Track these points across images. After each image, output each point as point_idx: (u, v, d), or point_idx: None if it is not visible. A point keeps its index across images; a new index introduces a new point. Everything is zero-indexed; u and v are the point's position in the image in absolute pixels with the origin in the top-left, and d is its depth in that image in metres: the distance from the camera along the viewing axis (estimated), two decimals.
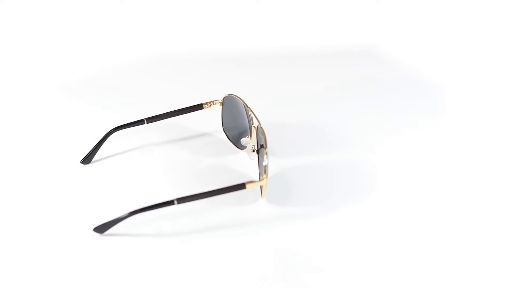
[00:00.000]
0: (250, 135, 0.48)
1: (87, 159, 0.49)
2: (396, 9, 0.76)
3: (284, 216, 0.43)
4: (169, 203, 0.40)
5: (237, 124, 0.50)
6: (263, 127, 0.45)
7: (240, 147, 0.50)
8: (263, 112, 0.50)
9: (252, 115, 0.47)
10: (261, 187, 0.43)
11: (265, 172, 0.42)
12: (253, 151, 0.46)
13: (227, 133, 0.52)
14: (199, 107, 0.51)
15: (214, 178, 0.47)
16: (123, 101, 0.60)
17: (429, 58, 0.70)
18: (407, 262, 0.39)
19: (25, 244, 0.41)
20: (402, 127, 0.56)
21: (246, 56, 0.71)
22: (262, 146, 0.45)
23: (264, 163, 0.42)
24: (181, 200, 0.41)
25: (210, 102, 0.51)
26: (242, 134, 0.49)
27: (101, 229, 0.41)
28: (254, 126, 0.47)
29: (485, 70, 0.67)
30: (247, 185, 0.41)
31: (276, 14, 0.76)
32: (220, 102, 0.51)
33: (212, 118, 0.53)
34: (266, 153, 0.42)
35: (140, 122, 0.49)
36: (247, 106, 0.47)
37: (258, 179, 0.45)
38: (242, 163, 0.49)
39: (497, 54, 0.69)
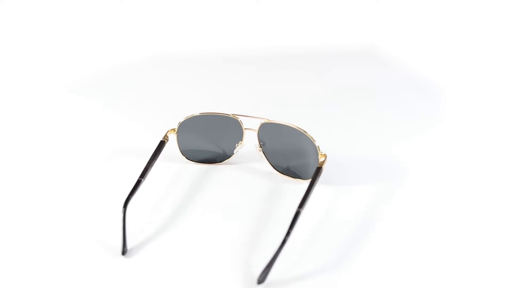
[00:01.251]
0: (242, 139, 0.47)
1: (124, 248, 0.39)
2: (397, 9, 0.74)
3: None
4: (287, 235, 0.38)
5: (214, 138, 0.48)
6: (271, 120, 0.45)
7: (224, 157, 0.48)
8: (263, 112, 0.49)
9: (240, 118, 0.46)
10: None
11: (320, 150, 0.43)
12: (260, 150, 0.46)
13: (200, 155, 0.49)
14: (162, 144, 0.46)
15: (242, 194, 0.46)
16: (123, 100, 0.61)
17: (429, 58, 0.69)
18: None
19: None
20: (402, 126, 0.56)
21: (246, 56, 0.67)
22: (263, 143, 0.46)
23: (316, 144, 0.43)
24: (295, 219, 0.39)
25: (165, 135, 0.47)
26: (227, 143, 0.48)
27: (262, 277, 0.37)
28: (246, 128, 0.47)
29: (486, 69, 0.66)
30: (322, 167, 0.43)
31: (276, 14, 0.73)
32: (174, 130, 0.47)
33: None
34: (309, 135, 0.44)
35: (138, 183, 0.42)
36: (230, 115, 0.47)
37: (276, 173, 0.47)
38: (241, 169, 0.48)
39: (497, 53, 0.68)
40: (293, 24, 0.76)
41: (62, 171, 0.48)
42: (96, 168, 0.49)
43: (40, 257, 0.39)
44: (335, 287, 0.37)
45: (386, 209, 0.44)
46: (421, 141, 0.53)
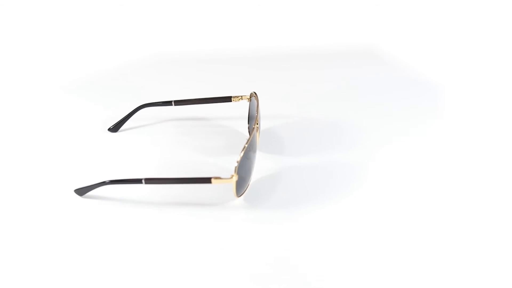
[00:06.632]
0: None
1: (115, 128, 0.53)
2: (397, 10, 0.73)
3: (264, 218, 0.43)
4: (138, 181, 0.43)
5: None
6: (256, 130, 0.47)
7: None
8: (264, 112, 0.52)
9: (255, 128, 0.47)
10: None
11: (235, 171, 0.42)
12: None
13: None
14: (227, 99, 0.52)
15: (199, 168, 0.48)
16: (124, 99, 0.60)
17: (429, 58, 0.69)
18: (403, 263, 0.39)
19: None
20: (402, 126, 0.55)
21: (246, 56, 0.69)
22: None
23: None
24: (149, 181, 0.43)
25: (239, 97, 0.52)
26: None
27: (80, 192, 0.45)
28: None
29: (485, 69, 0.65)
30: (213, 181, 0.42)
31: (277, 14, 0.74)
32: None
33: (238, 109, 0.55)
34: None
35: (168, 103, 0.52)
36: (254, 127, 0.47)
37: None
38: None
39: (497, 53, 0.68)
40: (294, 24, 0.75)
41: (62, 170, 0.49)
42: (94, 168, 0.49)
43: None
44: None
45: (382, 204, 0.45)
46: (420, 139, 0.53)
